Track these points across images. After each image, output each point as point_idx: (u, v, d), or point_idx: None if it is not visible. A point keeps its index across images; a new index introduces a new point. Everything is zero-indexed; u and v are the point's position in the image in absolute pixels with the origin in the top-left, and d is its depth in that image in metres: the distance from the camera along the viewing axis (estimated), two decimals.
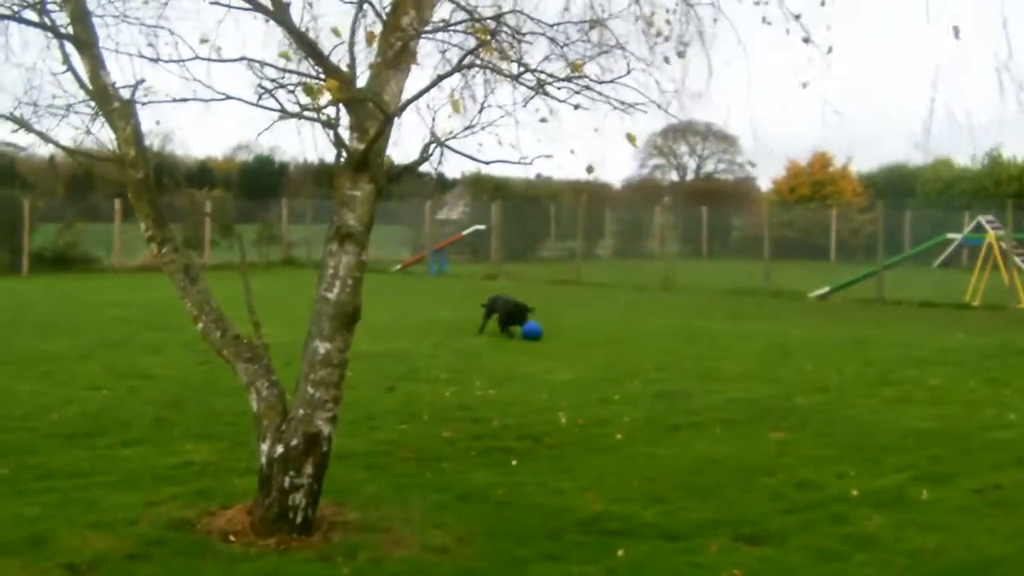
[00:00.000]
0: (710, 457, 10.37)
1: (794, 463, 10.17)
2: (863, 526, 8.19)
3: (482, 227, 46.89)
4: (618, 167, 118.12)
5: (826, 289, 33.09)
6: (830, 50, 8.99)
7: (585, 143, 8.68)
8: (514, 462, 10.04)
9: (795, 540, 7.79)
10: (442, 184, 67.47)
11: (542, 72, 8.14)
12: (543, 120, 8.35)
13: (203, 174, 67.35)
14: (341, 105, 7.60)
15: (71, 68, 8.03)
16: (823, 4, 8.82)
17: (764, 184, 76.86)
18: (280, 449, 7.54)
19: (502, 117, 8.40)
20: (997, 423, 12.40)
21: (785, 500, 8.89)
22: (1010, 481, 9.65)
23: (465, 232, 47.60)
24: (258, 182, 69.87)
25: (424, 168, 8.15)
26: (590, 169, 8.10)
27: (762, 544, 7.71)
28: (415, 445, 10.66)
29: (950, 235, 40.21)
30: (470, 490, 8.94)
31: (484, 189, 55.75)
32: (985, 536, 8.01)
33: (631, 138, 7.80)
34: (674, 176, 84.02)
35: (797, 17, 8.93)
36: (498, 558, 7.23)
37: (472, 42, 7.96)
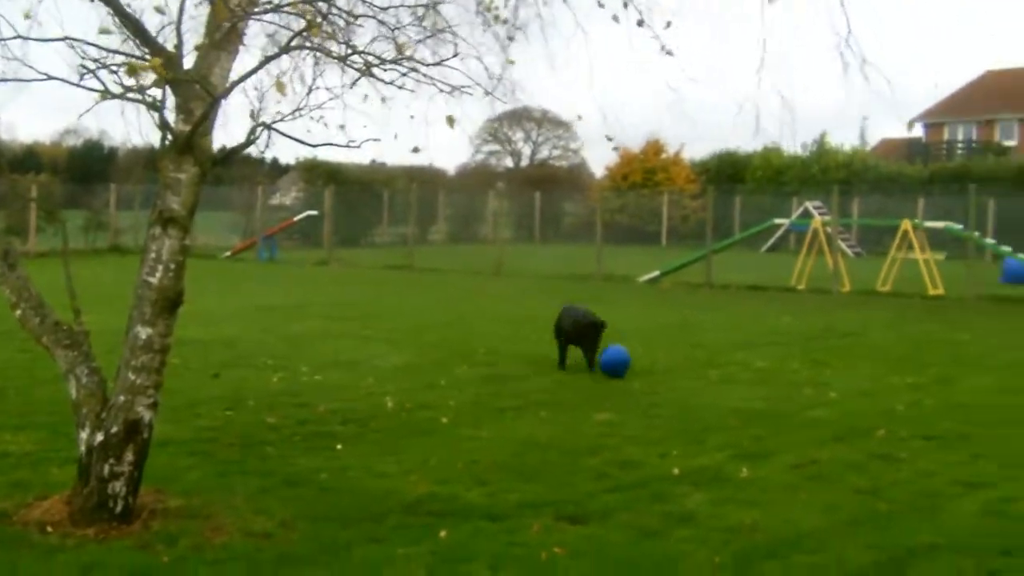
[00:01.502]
0: (534, 439, 10.46)
1: (618, 443, 10.31)
2: (683, 503, 8.35)
3: (315, 212, 46.53)
4: (453, 153, 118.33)
5: (656, 273, 33.54)
6: (668, 25, 9.05)
7: (417, 129, 8.70)
8: (339, 446, 10.00)
9: (617, 518, 7.91)
10: (276, 169, 66.85)
11: (370, 54, 8.13)
12: (365, 98, 8.33)
13: (30, 159, 65.67)
14: (166, 86, 7.47)
15: None
16: None
17: (597, 171, 77.90)
18: (100, 437, 7.41)
19: (331, 100, 8.35)
20: (817, 402, 12.75)
21: (608, 480, 9.01)
22: (827, 456, 9.93)
23: (297, 217, 47.23)
24: (86, 167, 68.41)
25: (252, 151, 8.06)
26: (416, 150, 8.15)
27: (584, 523, 7.80)
28: (240, 431, 10.55)
29: (777, 220, 41.10)
30: (294, 475, 8.90)
31: (318, 175, 55.29)
32: (800, 510, 8.23)
33: (450, 120, 7.86)
34: (509, 162, 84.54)
35: (626, 5, 9.01)
36: (321, 542, 7.21)
37: (302, 23, 7.88)
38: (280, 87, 7.56)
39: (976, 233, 33.00)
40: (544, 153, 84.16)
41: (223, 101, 7.72)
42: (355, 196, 52.59)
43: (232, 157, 8.17)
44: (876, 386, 13.97)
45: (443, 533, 7.40)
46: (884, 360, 16.42)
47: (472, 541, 7.30)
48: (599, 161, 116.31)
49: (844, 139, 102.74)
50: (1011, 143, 73.03)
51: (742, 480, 9.10)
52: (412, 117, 8.75)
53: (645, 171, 66.70)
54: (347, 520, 7.66)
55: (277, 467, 9.16)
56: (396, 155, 64.86)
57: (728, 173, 64.94)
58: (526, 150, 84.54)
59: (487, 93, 8.90)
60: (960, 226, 33.31)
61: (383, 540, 7.28)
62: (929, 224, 36.12)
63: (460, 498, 8.34)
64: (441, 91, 8.47)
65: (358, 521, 7.65)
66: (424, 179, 57.31)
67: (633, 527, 7.72)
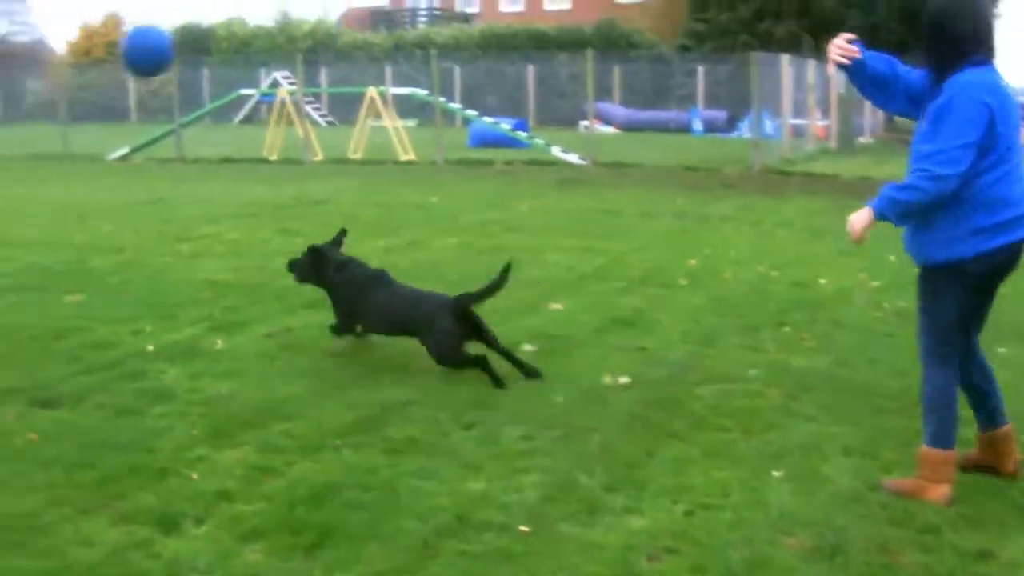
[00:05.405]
0: (3, 326, 10.06)
1: (90, 325, 10.01)
2: (159, 380, 8.27)
3: None
4: None
5: (125, 150, 32.69)
6: None
7: None
8: None
9: (91, 400, 7.75)
10: None
11: None
12: None
13: None
14: None
15: None
16: None
17: (60, 47, 74.98)
18: None
19: None
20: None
21: (81, 362, 8.76)
22: (300, 324, 10.10)
23: None
24: None
25: None
26: None
27: (58, 407, 7.60)
28: None
29: (244, 91, 40.90)
30: None
31: None
32: (276, 377, 8.35)
33: None
34: None
35: None
36: None
37: None
38: None
39: (442, 99, 34.11)
40: (2, 29, 79.92)
41: None
42: None
43: None
44: (350, 252, 14.19)
45: None
46: (357, 226, 16.66)
47: None
48: (60, 36, 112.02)
49: (306, 11, 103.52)
50: (473, 11, 75.48)
51: (217, 352, 9.12)
52: None
53: (108, 45, 64.67)
54: None
55: None
56: None
57: (193, 45, 63.92)
58: None
59: None
60: (425, 92, 34.32)
61: None
62: (394, 90, 37.07)
63: None
64: None
65: None
66: None
67: (108, 407, 7.60)
